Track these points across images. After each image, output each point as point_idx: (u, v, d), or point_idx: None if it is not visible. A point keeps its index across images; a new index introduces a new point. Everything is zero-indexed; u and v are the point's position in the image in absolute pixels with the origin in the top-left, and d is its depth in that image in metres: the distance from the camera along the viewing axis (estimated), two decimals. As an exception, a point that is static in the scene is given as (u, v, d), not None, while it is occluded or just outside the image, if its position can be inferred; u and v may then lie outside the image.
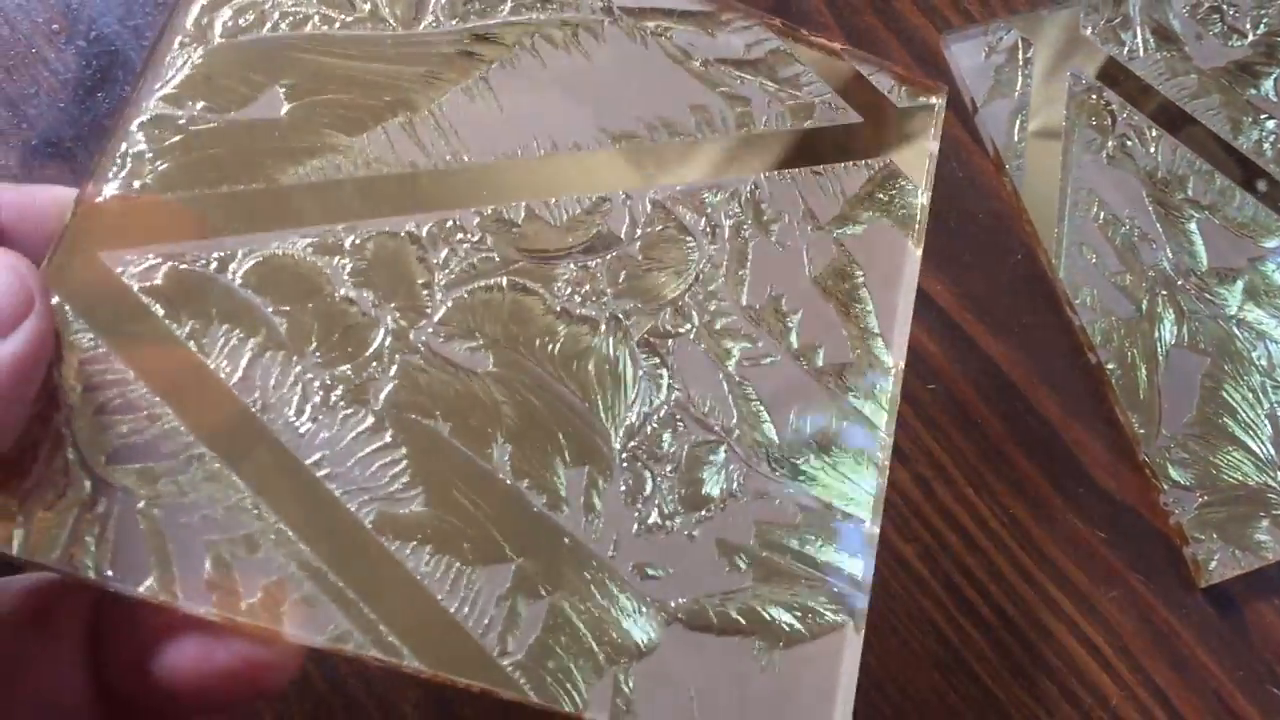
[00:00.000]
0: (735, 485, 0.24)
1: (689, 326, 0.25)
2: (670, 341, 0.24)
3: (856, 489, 0.25)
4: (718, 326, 0.25)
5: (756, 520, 0.24)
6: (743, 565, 0.23)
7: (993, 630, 0.32)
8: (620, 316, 0.24)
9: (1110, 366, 0.35)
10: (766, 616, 0.23)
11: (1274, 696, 0.33)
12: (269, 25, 0.24)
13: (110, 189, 0.22)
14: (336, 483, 0.21)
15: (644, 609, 0.22)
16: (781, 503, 0.24)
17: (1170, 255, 0.37)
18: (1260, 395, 0.35)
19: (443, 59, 0.25)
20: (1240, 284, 0.36)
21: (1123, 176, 0.37)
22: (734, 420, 0.24)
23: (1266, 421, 0.35)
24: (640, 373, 0.24)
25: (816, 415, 0.25)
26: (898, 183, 0.27)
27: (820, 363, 0.25)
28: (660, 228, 0.25)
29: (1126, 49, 0.39)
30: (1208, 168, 0.38)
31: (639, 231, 0.25)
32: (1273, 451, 0.35)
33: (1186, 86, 0.39)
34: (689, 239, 0.25)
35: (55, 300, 0.21)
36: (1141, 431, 0.34)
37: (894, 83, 0.28)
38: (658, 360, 0.24)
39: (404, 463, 0.22)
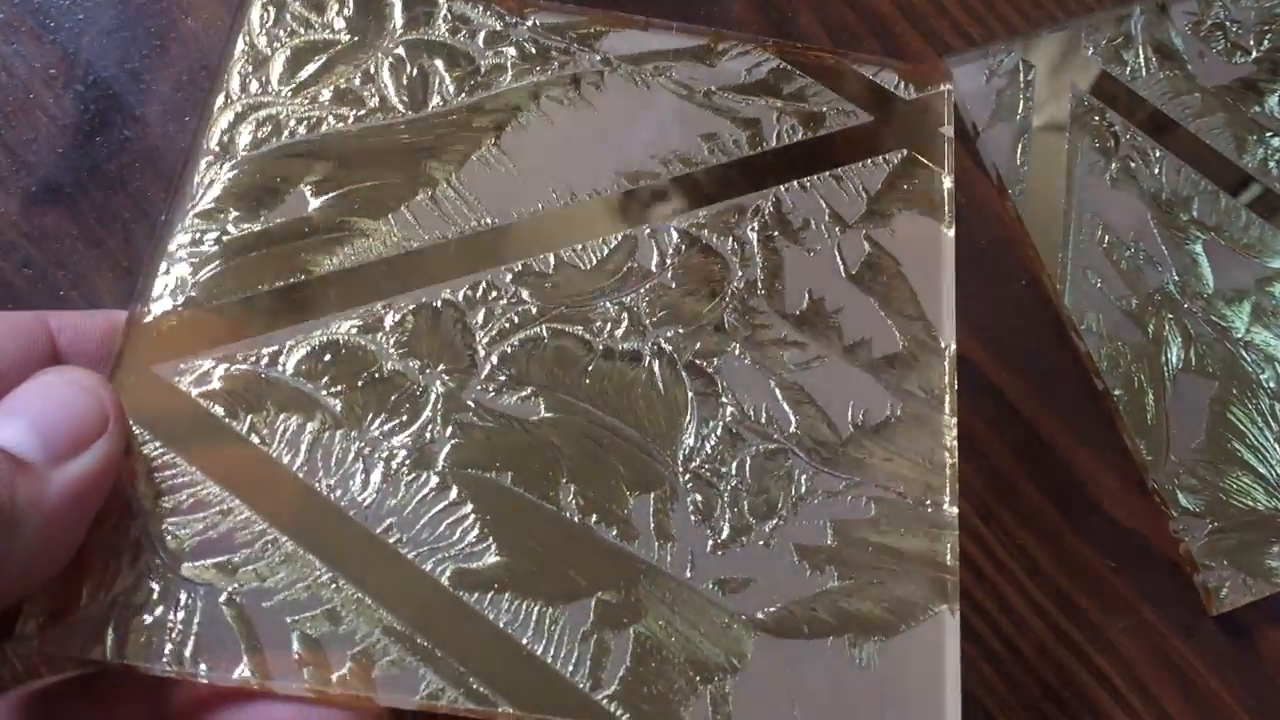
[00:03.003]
0: (804, 488, 0.24)
1: (733, 343, 0.25)
2: (717, 360, 0.25)
3: (927, 472, 0.25)
4: (762, 338, 0.25)
5: (831, 519, 0.24)
6: (824, 565, 0.23)
7: (1002, 663, 0.32)
8: (663, 344, 0.25)
9: (1117, 392, 0.35)
10: (857, 613, 0.23)
11: (1288, 725, 0.32)
12: (286, 133, 0.25)
13: (157, 307, 0.23)
14: (409, 547, 0.22)
15: (731, 623, 0.23)
16: (854, 498, 0.24)
17: (1176, 278, 0.36)
18: (1269, 418, 0.35)
19: (454, 134, 0.26)
20: (1247, 305, 0.36)
21: (1127, 199, 0.37)
22: (793, 425, 0.25)
23: (1276, 445, 0.35)
24: (691, 394, 0.24)
25: (875, 406, 0.25)
26: (919, 171, 0.28)
27: (872, 355, 0.25)
28: (689, 254, 0.26)
29: (1129, 69, 0.39)
30: (1212, 188, 0.37)
31: (669, 261, 0.26)
32: (1283, 475, 0.34)
33: (1190, 105, 0.38)
34: (719, 259, 0.26)
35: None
36: (1149, 458, 0.34)
37: (898, 77, 0.29)
38: (707, 380, 0.25)
39: (471, 517, 0.23)
